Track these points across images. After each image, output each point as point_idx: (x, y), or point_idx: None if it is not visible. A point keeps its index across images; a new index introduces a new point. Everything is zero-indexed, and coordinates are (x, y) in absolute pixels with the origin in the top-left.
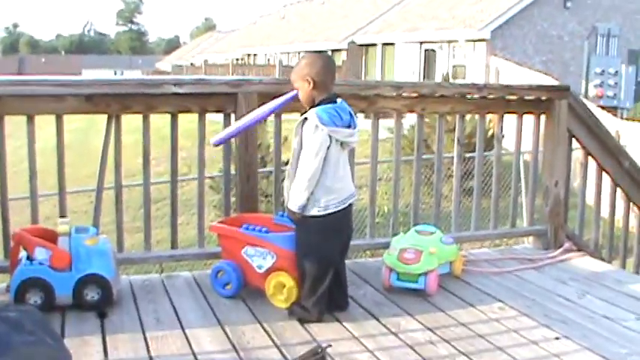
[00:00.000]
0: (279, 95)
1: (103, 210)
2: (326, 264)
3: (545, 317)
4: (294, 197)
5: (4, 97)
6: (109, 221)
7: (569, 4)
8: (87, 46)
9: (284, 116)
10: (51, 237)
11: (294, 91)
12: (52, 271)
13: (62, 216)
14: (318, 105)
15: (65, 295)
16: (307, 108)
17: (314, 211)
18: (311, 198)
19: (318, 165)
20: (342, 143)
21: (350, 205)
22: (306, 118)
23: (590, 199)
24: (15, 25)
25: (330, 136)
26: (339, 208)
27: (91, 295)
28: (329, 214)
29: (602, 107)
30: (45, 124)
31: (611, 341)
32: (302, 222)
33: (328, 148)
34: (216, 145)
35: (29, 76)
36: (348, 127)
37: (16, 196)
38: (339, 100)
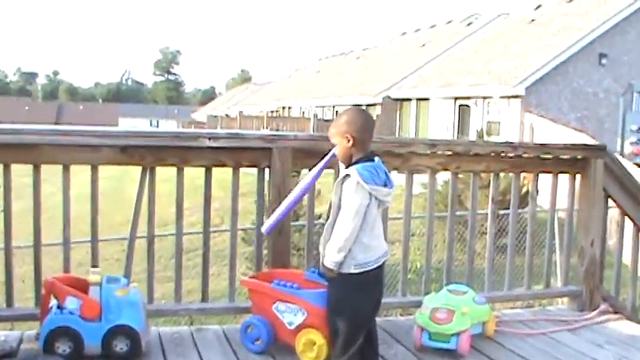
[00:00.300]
0: (318, 161)
1: (134, 258)
2: (359, 322)
3: None
4: (331, 254)
5: (41, 145)
6: (140, 270)
7: (604, 61)
8: (124, 95)
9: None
10: (82, 286)
11: (332, 152)
12: (82, 320)
13: (94, 266)
14: (356, 162)
15: (94, 345)
16: (344, 165)
17: (350, 269)
18: (348, 255)
19: (357, 223)
20: (379, 202)
21: (383, 263)
22: (347, 175)
23: (626, 259)
24: (55, 73)
25: (370, 195)
26: (375, 266)
27: (120, 346)
28: (365, 272)
29: (639, 165)
30: (79, 170)
31: None
32: (336, 279)
33: (367, 206)
34: (268, 233)
35: (67, 122)
36: (384, 185)
37: (50, 242)
38: (376, 158)
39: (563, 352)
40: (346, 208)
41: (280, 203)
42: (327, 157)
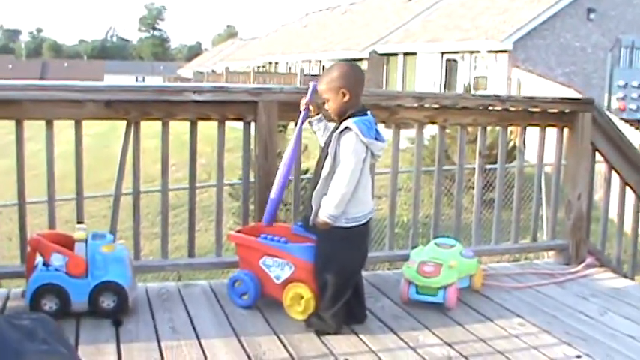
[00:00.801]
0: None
1: (121, 216)
2: (348, 275)
3: (566, 334)
4: (329, 208)
5: (23, 101)
6: (126, 227)
7: (592, 16)
8: (109, 52)
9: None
10: (68, 243)
11: (303, 113)
12: (68, 277)
13: (80, 222)
14: (351, 116)
15: (81, 301)
16: (338, 119)
17: (341, 223)
18: None
19: (356, 178)
20: (372, 156)
21: (370, 219)
22: (347, 128)
23: (612, 214)
24: (39, 30)
25: (366, 149)
26: (364, 221)
27: (107, 302)
28: (355, 226)
29: (625, 120)
30: (65, 127)
31: None
32: (326, 232)
33: (364, 160)
34: (268, 223)
35: (52, 80)
36: (376, 140)
37: (35, 199)
38: (368, 112)
39: (550, 304)
40: (346, 163)
41: (266, 157)
42: (300, 120)
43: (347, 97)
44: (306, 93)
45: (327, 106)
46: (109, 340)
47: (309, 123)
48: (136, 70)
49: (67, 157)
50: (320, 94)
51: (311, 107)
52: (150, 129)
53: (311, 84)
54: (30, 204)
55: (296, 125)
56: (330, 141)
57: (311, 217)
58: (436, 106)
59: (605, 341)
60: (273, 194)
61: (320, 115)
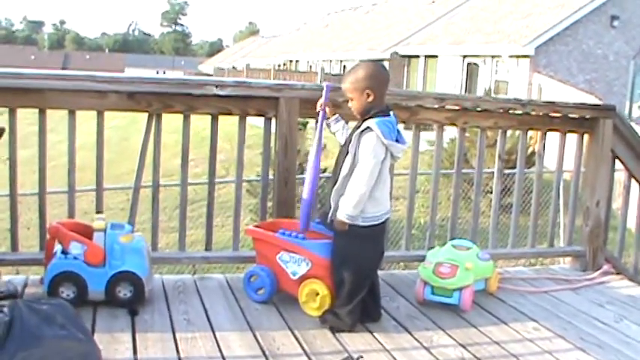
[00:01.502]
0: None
1: (139, 209)
2: (364, 273)
3: (580, 340)
4: (347, 208)
5: (46, 90)
6: (144, 220)
7: (615, 23)
8: (131, 46)
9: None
10: (86, 232)
11: (322, 111)
12: (86, 266)
13: (99, 212)
14: (373, 116)
15: (98, 290)
16: (360, 118)
17: (359, 221)
18: None
19: (374, 178)
20: (392, 157)
21: (387, 219)
22: (368, 128)
23: (630, 222)
24: (62, 22)
25: (386, 150)
26: (381, 221)
27: (124, 292)
28: (372, 225)
29: None
30: (85, 119)
31: None
32: (344, 231)
33: (383, 161)
34: (305, 229)
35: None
36: (396, 141)
37: (55, 189)
38: (391, 113)
39: (565, 310)
40: (364, 163)
41: (286, 154)
42: (319, 122)
43: (371, 98)
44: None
45: (350, 105)
46: (124, 329)
47: (327, 125)
48: (156, 64)
49: (87, 149)
50: (343, 93)
51: (327, 109)
52: (170, 124)
53: (325, 84)
54: (50, 194)
55: (316, 125)
56: (351, 139)
57: (329, 214)
58: (457, 107)
59: (620, 348)
60: (305, 195)
61: (337, 116)
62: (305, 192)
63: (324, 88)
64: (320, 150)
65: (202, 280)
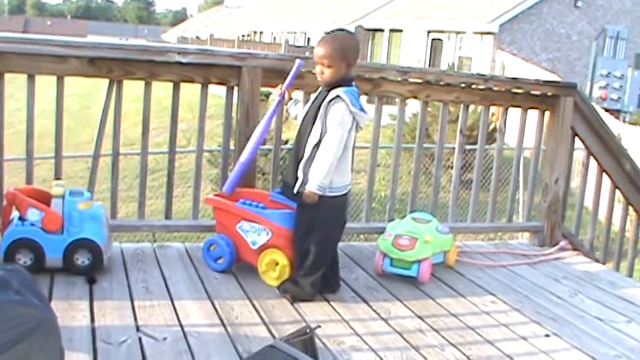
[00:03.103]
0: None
1: (98, 178)
2: (329, 244)
3: (536, 314)
4: (317, 177)
5: (6, 54)
6: (104, 189)
7: (579, 4)
8: (93, 12)
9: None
10: (45, 199)
11: (280, 96)
12: (43, 232)
13: (57, 178)
14: (339, 86)
15: (55, 257)
16: (326, 88)
17: (326, 192)
18: None
19: (342, 147)
20: (356, 128)
21: (349, 191)
22: (337, 97)
23: (588, 200)
24: None
25: (353, 119)
26: (345, 192)
27: (82, 259)
28: (337, 195)
29: (605, 110)
30: (45, 87)
31: (601, 342)
32: (309, 201)
33: (349, 130)
34: (229, 192)
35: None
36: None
37: (13, 157)
38: (353, 83)
39: (522, 284)
40: (333, 132)
41: (248, 123)
42: (273, 108)
43: (349, 69)
44: (288, 72)
45: (322, 72)
46: (82, 297)
47: (287, 111)
48: (119, 32)
49: (46, 116)
50: (320, 58)
51: (286, 95)
52: (131, 92)
53: (297, 61)
54: (7, 161)
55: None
56: (317, 110)
57: (297, 185)
58: (419, 81)
59: (574, 322)
60: (242, 158)
61: (293, 99)
62: (243, 155)
63: (296, 64)
64: (271, 117)
65: (162, 248)
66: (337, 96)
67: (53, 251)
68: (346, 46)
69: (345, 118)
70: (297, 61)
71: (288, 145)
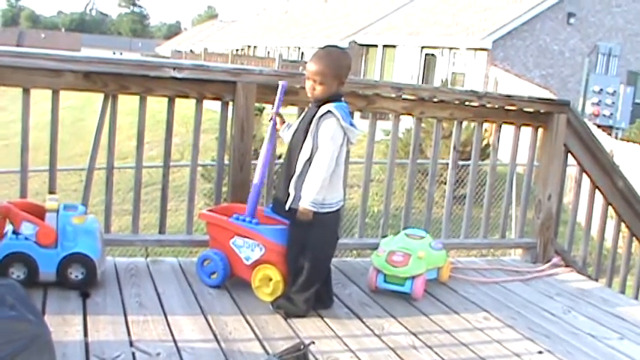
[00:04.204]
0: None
1: (92, 191)
2: (323, 261)
3: (529, 330)
4: (310, 194)
5: (1, 67)
6: (98, 202)
7: (572, 21)
8: (88, 25)
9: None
10: (39, 212)
11: (272, 120)
12: (37, 247)
13: (51, 192)
14: (329, 102)
15: (49, 272)
16: (317, 104)
17: (318, 209)
18: None
19: (334, 162)
20: (347, 143)
21: (342, 206)
22: (328, 112)
23: (581, 216)
24: None
25: (344, 135)
26: (337, 208)
27: (75, 274)
28: (329, 212)
29: (598, 126)
30: (39, 100)
31: (593, 359)
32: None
33: (340, 145)
34: (252, 214)
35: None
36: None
37: (6, 169)
38: (342, 99)
39: (515, 300)
40: (325, 147)
41: (242, 138)
42: (269, 131)
43: (340, 86)
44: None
45: (313, 88)
46: (75, 311)
47: (279, 135)
48: (113, 45)
49: (40, 129)
50: (313, 74)
51: (277, 119)
52: (125, 105)
53: (281, 83)
54: (1, 173)
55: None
56: (307, 125)
57: (289, 202)
58: (413, 97)
59: (567, 339)
60: (256, 180)
61: (286, 123)
62: (256, 177)
63: (280, 88)
64: (274, 138)
65: (155, 263)
66: (328, 111)
67: (47, 265)
68: (339, 63)
69: (336, 133)
70: (281, 83)
71: (282, 160)
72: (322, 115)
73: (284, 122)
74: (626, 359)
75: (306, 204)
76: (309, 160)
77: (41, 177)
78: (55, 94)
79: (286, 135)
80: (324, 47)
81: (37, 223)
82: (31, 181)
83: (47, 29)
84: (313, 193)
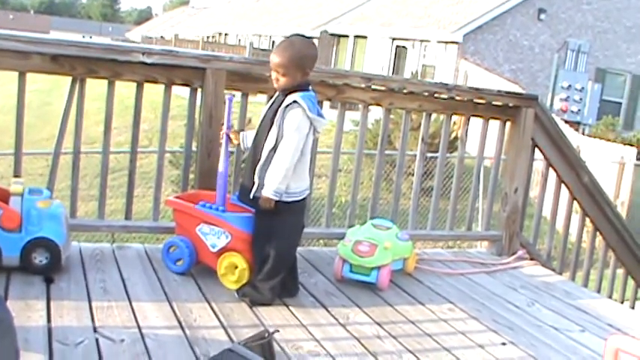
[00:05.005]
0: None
1: (58, 176)
2: (288, 249)
3: (493, 322)
4: (273, 183)
5: None
6: (64, 187)
7: (542, 17)
8: (57, 8)
9: (249, 98)
10: (3, 196)
11: (224, 139)
12: (1, 230)
13: (16, 175)
14: (295, 91)
15: (13, 256)
16: (283, 93)
17: (283, 197)
18: None
19: (299, 152)
20: (313, 133)
21: (307, 195)
22: (294, 102)
23: (546, 210)
24: None
25: (310, 124)
26: (303, 197)
27: (40, 258)
28: (295, 201)
29: (566, 121)
30: (5, 81)
31: (556, 351)
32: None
33: (307, 135)
34: (223, 205)
35: None
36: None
37: None
38: (310, 88)
39: (480, 292)
40: (290, 137)
41: (211, 125)
42: (223, 149)
43: (304, 76)
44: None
45: (277, 78)
46: (39, 297)
47: (242, 147)
48: (83, 29)
49: (6, 112)
50: (275, 66)
51: (232, 136)
52: (93, 90)
53: (227, 97)
54: None
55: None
56: (274, 114)
57: (253, 190)
58: (383, 88)
59: (531, 331)
60: (221, 168)
61: (242, 134)
62: (221, 165)
63: (227, 102)
64: (227, 155)
65: (121, 249)
66: (294, 101)
67: (10, 250)
68: (301, 54)
69: (302, 123)
70: (227, 97)
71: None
72: (288, 105)
73: (238, 134)
74: (588, 351)
75: (268, 193)
76: (274, 149)
77: (6, 160)
78: (22, 76)
79: (249, 138)
80: (288, 37)
81: (0, 207)
82: None
83: (15, 10)
84: (276, 182)
